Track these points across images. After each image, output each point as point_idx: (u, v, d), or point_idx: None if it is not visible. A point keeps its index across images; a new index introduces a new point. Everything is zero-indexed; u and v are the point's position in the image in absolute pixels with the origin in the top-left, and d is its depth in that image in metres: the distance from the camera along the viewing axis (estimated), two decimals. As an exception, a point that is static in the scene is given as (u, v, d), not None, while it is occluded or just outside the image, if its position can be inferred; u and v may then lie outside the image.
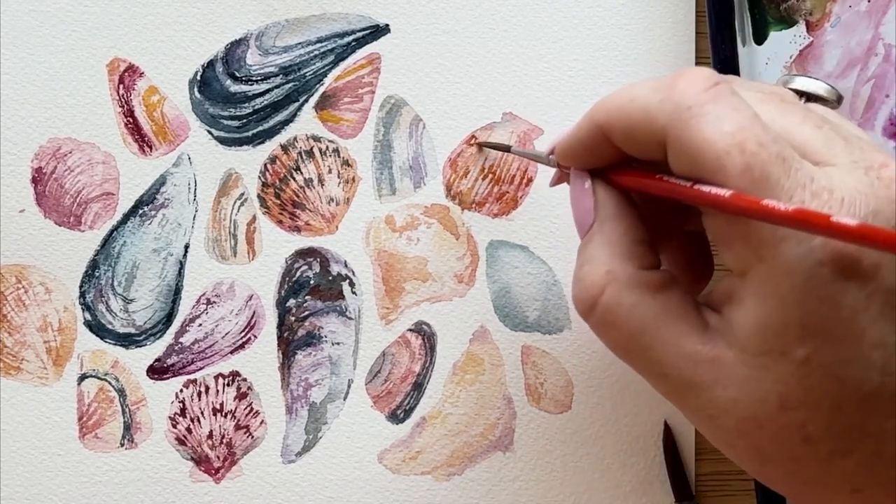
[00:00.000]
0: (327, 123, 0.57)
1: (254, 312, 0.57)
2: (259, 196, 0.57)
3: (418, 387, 0.58)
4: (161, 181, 0.57)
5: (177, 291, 0.57)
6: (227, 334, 0.57)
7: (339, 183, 0.57)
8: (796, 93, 0.45)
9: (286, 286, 0.57)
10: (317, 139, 0.57)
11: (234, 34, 0.57)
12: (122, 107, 0.57)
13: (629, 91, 0.41)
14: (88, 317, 0.57)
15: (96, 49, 0.56)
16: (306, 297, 0.57)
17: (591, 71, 0.58)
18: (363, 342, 0.57)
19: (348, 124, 0.57)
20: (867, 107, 0.56)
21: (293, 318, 0.57)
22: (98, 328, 0.57)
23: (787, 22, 0.56)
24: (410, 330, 0.58)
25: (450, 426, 0.58)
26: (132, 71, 0.57)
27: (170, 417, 0.57)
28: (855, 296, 0.37)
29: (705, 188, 0.38)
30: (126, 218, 0.57)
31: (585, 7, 0.58)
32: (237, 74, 0.57)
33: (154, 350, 0.57)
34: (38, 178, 0.56)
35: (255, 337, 0.57)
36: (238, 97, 0.57)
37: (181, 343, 0.57)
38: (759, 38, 0.57)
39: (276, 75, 0.57)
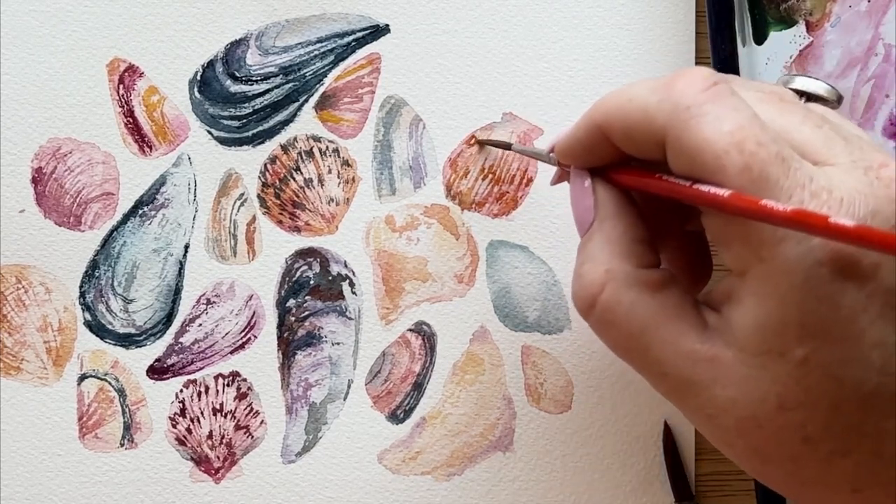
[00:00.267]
0: (327, 123, 0.57)
1: (254, 312, 0.57)
2: (259, 196, 0.57)
3: (418, 387, 0.58)
4: (161, 181, 0.57)
5: (177, 291, 0.57)
6: (227, 334, 0.57)
7: (339, 183, 0.57)
8: (796, 93, 0.45)
9: (286, 286, 0.57)
10: (317, 139, 0.57)
11: (234, 34, 0.57)
12: (122, 107, 0.57)
13: (628, 91, 0.41)
14: (88, 317, 0.57)
15: (96, 49, 0.56)
16: (306, 297, 0.57)
17: (591, 71, 0.58)
18: (363, 342, 0.57)
19: (348, 124, 0.57)
20: (867, 107, 0.56)
21: (293, 319, 0.57)
22: (98, 328, 0.57)
23: (787, 22, 0.56)
24: (410, 330, 0.58)
25: (450, 426, 0.58)
26: (132, 71, 0.57)
27: (170, 417, 0.57)
28: (854, 296, 0.37)
29: (704, 188, 0.38)
30: (126, 218, 0.57)
31: (585, 7, 0.58)
32: (237, 74, 0.57)
33: (154, 350, 0.57)
34: (38, 178, 0.56)
35: (255, 337, 0.57)
36: (238, 97, 0.57)
37: (181, 343, 0.57)
38: (759, 38, 0.57)
39: (276, 75, 0.57)
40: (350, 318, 0.57)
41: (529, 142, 0.58)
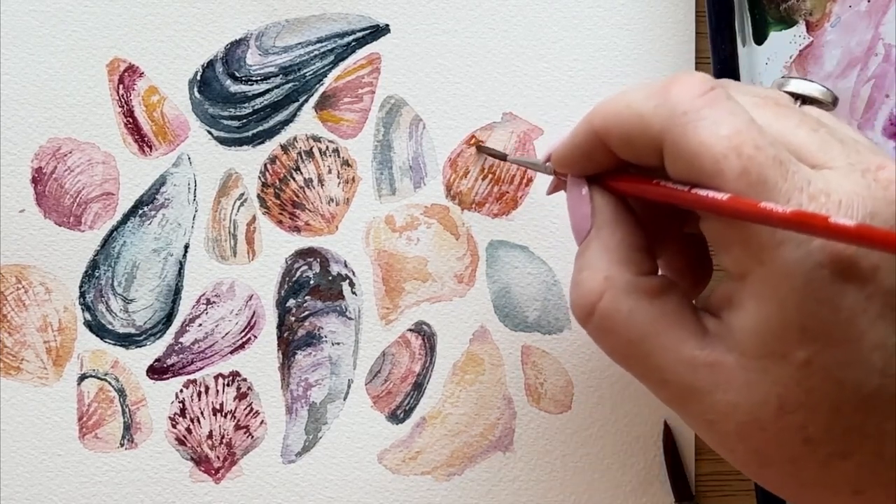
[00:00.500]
0: (327, 123, 0.57)
1: (254, 312, 0.57)
2: (259, 196, 0.57)
3: (418, 387, 0.58)
4: (161, 181, 0.57)
5: (177, 291, 0.57)
6: (227, 334, 0.57)
7: (339, 183, 0.57)
8: (791, 95, 0.44)
9: (286, 286, 0.57)
10: (317, 139, 0.57)
11: (234, 34, 0.57)
12: (122, 107, 0.57)
13: (624, 97, 0.41)
14: (88, 317, 0.57)
15: (96, 49, 0.56)
16: (306, 297, 0.57)
17: (591, 71, 0.58)
18: (363, 342, 0.57)
19: (348, 124, 0.57)
20: (867, 107, 0.56)
21: (293, 318, 0.57)
22: (98, 328, 0.57)
23: (787, 22, 0.56)
24: (410, 330, 0.58)
25: (450, 426, 0.58)
26: (132, 71, 0.57)
27: (170, 417, 0.57)
28: (854, 298, 0.37)
29: (703, 192, 0.38)
30: (126, 218, 0.57)
31: (585, 7, 0.58)
32: (237, 74, 0.57)
33: (154, 350, 0.57)
34: (38, 178, 0.56)
35: (255, 337, 0.57)
36: (238, 97, 0.57)
37: (181, 343, 0.57)
38: (759, 38, 0.57)
39: (276, 75, 0.57)
40: (350, 318, 0.57)
41: (529, 142, 0.58)
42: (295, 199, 0.57)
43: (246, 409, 0.57)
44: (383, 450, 0.57)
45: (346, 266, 0.57)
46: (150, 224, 0.57)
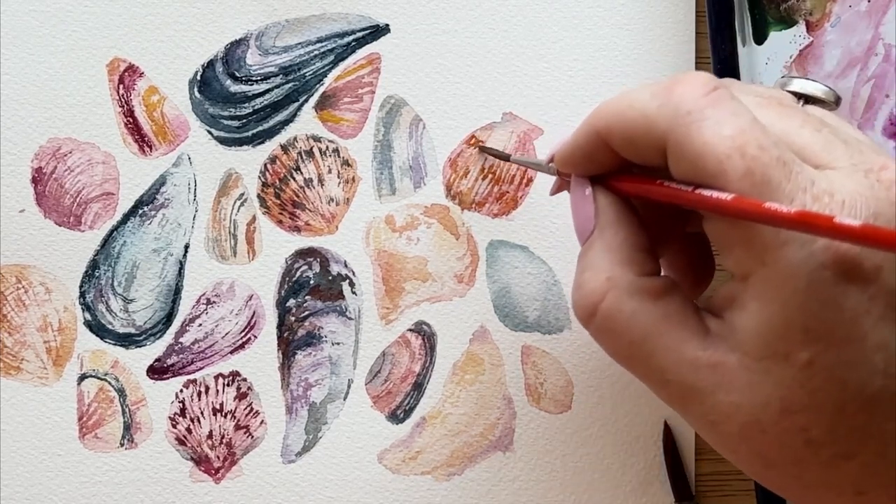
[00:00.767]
0: (327, 123, 0.57)
1: (254, 312, 0.57)
2: (259, 196, 0.57)
3: (418, 387, 0.58)
4: (161, 181, 0.57)
5: (177, 291, 0.57)
6: (227, 334, 0.57)
7: (339, 183, 0.57)
8: (794, 95, 0.45)
9: (286, 286, 0.57)
10: (317, 139, 0.57)
11: (234, 34, 0.57)
12: (122, 107, 0.57)
13: (627, 97, 0.41)
14: (88, 317, 0.57)
15: (96, 49, 0.56)
16: (306, 297, 0.57)
17: (591, 71, 0.58)
18: (363, 342, 0.57)
19: (348, 124, 0.57)
20: (867, 107, 0.56)
21: (293, 318, 0.57)
22: (98, 328, 0.57)
23: (787, 22, 0.56)
24: (410, 330, 0.58)
25: (450, 426, 0.58)
26: (132, 71, 0.57)
27: (170, 417, 0.57)
28: (857, 298, 0.37)
29: (706, 192, 0.38)
30: (126, 218, 0.57)
31: (585, 7, 0.58)
32: (237, 74, 0.57)
33: (154, 350, 0.57)
34: (38, 178, 0.56)
35: (255, 337, 0.57)
36: (238, 97, 0.57)
37: (181, 343, 0.57)
38: (759, 38, 0.57)
39: (276, 75, 0.57)
40: (350, 318, 0.57)
41: (530, 142, 0.58)
42: (295, 198, 0.57)
43: (246, 409, 0.57)
44: (383, 450, 0.57)
45: (346, 266, 0.57)
46: (150, 224, 0.57)
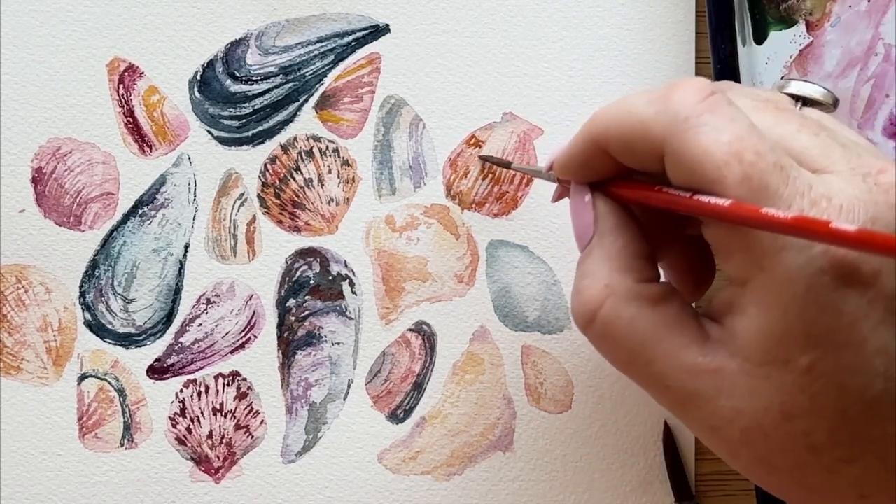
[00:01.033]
0: (327, 123, 0.57)
1: (254, 312, 0.57)
2: (259, 196, 0.57)
3: (418, 387, 0.58)
4: (161, 181, 0.57)
5: (177, 291, 0.57)
6: (227, 334, 0.57)
7: (339, 183, 0.57)
8: (792, 97, 0.44)
9: (286, 286, 0.57)
10: (317, 139, 0.57)
11: (234, 34, 0.57)
12: (122, 107, 0.57)
13: (624, 103, 0.41)
14: (88, 317, 0.57)
15: (96, 49, 0.56)
16: (306, 297, 0.57)
17: (591, 71, 0.58)
18: (363, 342, 0.58)
19: (348, 124, 0.57)
20: (867, 107, 0.56)
21: (293, 318, 0.57)
22: (98, 328, 0.57)
23: (787, 22, 0.56)
24: (410, 330, 0.58)
25: (450, 426, 0.58)
26: (132, 71, 0.57)
27: (170, 417, 0.57)
28: (856, 303, 0.37)
29: (704, 198, 0.38)
30: (126, 218, 0.57)
31: (585, 7, 0.58)
32: (237, 74, 0.57)
33: (154, 350, 0.57)
34: (38, 178, 0.56)
35: (255, 337, 0.57)
36: (238, 97, 0.57)
37: (181, 343, 0.57)
38: (759, 38, 0.57)
39: (276, 75, 0.57)
40: (350, 318, 0.57)
41: (530, 142, 0.58)
42: (295, 198, 0.57)
43: (246, 408, 0.57)
44: (383, 450, 0.58)
45: (346, 266, 0.57)
46: (150, 224, 0.57)
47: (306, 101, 0.57)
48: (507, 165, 0.56)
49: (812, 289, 0.36)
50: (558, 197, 0.50)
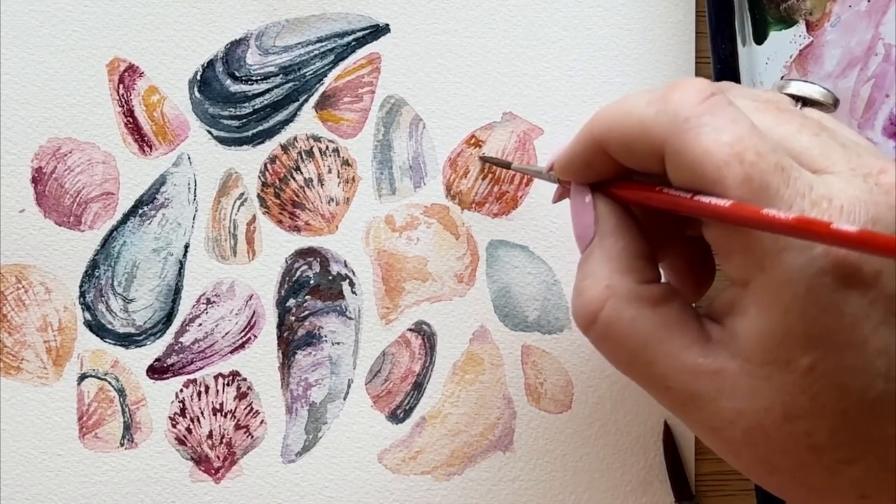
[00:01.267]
0: (327, 123, 0.57)
1: (254, 312, 0.57)
2: (259, 196, 0.57)
3: (418, 387, 0.58)
4: (161, 181, 0.57)
5: (177, 291, 0.57)
6: (227, 334, 0.57)
7: (339, 183, 0.57)
8: (792, 97, 0.44)
9: (286, 286, 0.57)
10: (317, 139, 0.57)
11: (234, 34, 0.57)
12: (122, 107, 0.57)
13: (624, 103, 0.41)
14: (88, 317, 0.57)
15: (96, 49, 0.56)
16: (306, 297, 0.57)
17: (591, 71, 0.58)
18: (363, 342, 0.58)
19: (348, 124, 0.57)
20: (867, 106, 0.56)
21: (293, 318, 0.57)
22: (98, 328, 0.57)
23: (787, 22, 0.56)
24: (410, 330, 0.58)
25: (450, 426, 0.58)
26: (132, 71, 0.57)
27: (170, 417, 0.57)
28: (857, 304, 0.37)
29: (705, 199, 0.38)
30: (126, 218, 0.57)
31: (585, 7, 0.58)
32: (237, 74, 0.57)
33: (154, 350, 0.57)
34: (38, 178, 0.56)
35: (255, 337, 0.57)
36: (238, 97, 0.57)
37: (181, 343, 0.57)
38: (759, 38, 0.57)
39: (276, 75, 0.57)
40: (350, 318, 0.57)
41: (530, 142, 0.58)
42: (295, 198, 0.57)
43: (246, 408, 0.57)
44: (383, 449, 0.58)
45: (346, 266, 0.57)
46: (150, 224, 0.57)
47: (306, 100, 0.57)
48: (507, 166, 0.57)
49: (813, 289, 0.36)
50: (559, 198, 0.50)
